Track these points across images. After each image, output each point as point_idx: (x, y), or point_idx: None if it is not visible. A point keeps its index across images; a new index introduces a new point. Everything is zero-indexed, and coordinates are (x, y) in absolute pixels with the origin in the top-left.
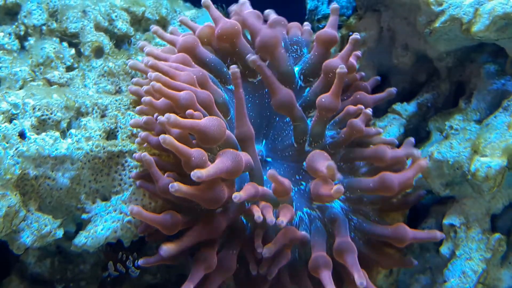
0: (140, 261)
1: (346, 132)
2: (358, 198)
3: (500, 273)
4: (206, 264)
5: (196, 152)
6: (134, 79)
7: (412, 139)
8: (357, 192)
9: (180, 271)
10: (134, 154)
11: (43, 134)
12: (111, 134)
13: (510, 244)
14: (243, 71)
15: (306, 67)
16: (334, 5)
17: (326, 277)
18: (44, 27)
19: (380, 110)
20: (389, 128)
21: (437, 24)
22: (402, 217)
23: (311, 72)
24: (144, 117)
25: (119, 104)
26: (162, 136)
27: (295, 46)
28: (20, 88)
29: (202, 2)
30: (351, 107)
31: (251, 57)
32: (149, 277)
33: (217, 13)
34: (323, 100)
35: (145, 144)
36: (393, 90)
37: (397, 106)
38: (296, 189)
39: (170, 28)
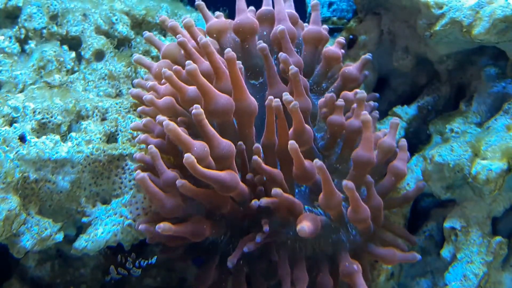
0: (141, 226)
1: (329, 132)
2: None
3: (501, 276)
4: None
5: (198, 144)
6: (136, 80)
7: (404, 141)
8: None
9: (181, 274)
10: (134, 154)
11: (44, 137)
12: (111, 138)
13: (511, 248)
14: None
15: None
16: (313, 1)
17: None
18: (44, 31)
19: (381, 113)
20: None
21: (437, 27)
22: (402, 219)
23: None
24: (144, 119)
25: (120, 107)
26: (165, 122)
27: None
28: (21, 92)
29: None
30: (321, 101)
31: None
32: (149, 280)
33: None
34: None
35: (143, 146)
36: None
37: (398, 109)
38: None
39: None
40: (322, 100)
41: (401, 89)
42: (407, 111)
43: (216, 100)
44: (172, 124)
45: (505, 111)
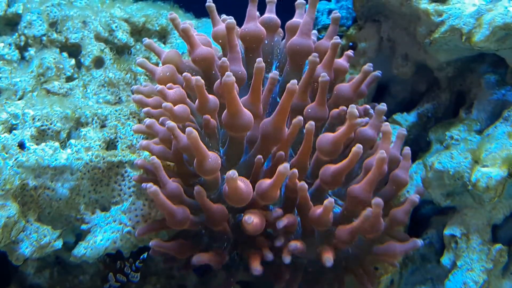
0: (152, 242)
1: None
2: None
3: (502, 284)
4: None
5: (213, 155)
6: (134, 87)
7: (408, 150)
8: None
9: (180, 281)
10: (136, 160)
11: (43, 144)
12: (111, 144)
13: (511, 255)
14: None
15: None
16: (334, 14)
17: None
18: (44, 38)
19: None
20: None
21: (437, 34)
22: (402, 226)
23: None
24: (147, 120)
25: (119, 114)
26: (189, 129)
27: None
28: (20, 99)
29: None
30: (334, 111)
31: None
32: (149, 287)
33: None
34: (309, 110)
35: (142, 153)
36: (377, 73)
37: (398, 116)
38: None
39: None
40: (335, 111)
41: (401, 96)
42: (407, 118)
43: (242, 114)
44: (195, 133)
45: (505, 119)
